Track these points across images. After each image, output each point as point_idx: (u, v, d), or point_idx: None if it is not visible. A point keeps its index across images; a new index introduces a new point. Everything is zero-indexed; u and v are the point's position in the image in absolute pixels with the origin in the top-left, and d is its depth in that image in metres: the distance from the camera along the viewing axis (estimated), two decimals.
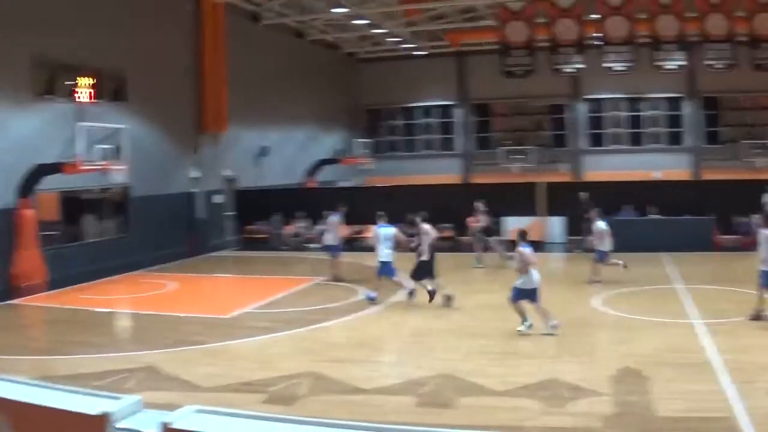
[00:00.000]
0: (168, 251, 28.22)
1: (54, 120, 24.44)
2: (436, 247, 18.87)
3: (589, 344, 14.10)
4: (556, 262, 26.38)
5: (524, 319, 14.84)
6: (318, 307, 18.38)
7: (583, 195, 24.97)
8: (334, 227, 22.69)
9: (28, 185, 22.99)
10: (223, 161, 33.92)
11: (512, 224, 28.52)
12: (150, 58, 28.72)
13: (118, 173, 24.21)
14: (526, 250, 15.02)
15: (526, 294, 14.88)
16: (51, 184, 23.68)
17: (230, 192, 34.24)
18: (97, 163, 23.36)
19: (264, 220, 32.69)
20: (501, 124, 49.36)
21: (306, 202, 31.40)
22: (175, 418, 5.14)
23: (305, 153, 41.46)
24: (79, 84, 24.76)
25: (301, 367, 12.81)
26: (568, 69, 34.01)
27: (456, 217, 27.91)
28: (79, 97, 24.72)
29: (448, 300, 17.80)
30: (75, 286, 22.35)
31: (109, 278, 23.81)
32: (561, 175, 43.06)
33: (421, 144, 50.44)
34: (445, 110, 50.05)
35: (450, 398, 11.02)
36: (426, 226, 18.66)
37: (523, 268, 14.89)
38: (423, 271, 18.32)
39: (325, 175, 42.03)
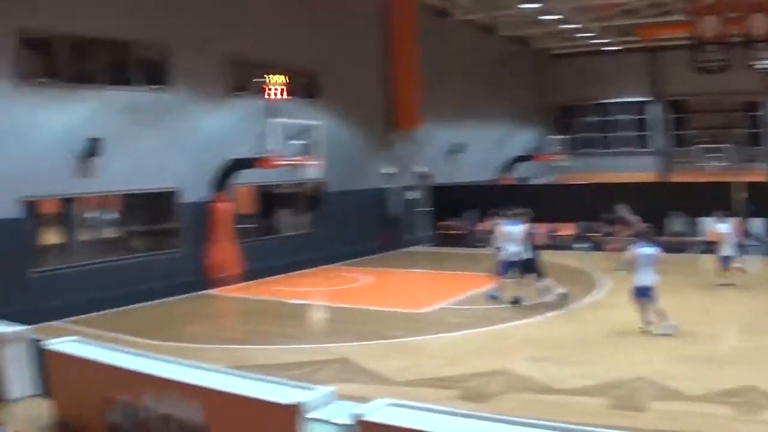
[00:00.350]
0: (361, 246, 28.44)
1: (246, 116, 25.03)
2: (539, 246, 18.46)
3: None
4: (753, 264, 24.71)
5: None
6: (510, 304, 17.83)
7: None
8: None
9: (222, 179, 23.63)
10: (417, 157, 33.88)
11: (709, 225, 27.20)
12: (341, 56, 29.03)
13: (312, 168, 24.41)
14: (636, 251, 14.76)
15: (642, 292, 14.61)
16: (245, 178, 24.32)
17: (424, 188, 34.19)
18: (291, 158, 23.70)
19: (458, 217, 32.45)
20: (696, 122, 47.17)
21: (501, 198, 30.79)
22: (368, 411, 4.98)
23: (500, 149, 40.91)
24: (271, 81, 25.18)
25: (494, 364, 12.64)
26: (762, 65, 32.25)
27: (652, 217, 26.57)
28: (271, 94, 25.15)
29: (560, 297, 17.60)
30: (268, 278, 22.84)
31: (302, 271, 24.17)
32: (758, 174, 40.57)
33: (616, 141, 48.86)
34: (640, 107, 48.32)
35: (643, 402, 10.63)
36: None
37: (630, 268, 14.79)
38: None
39: (520, 171, 41.36)
